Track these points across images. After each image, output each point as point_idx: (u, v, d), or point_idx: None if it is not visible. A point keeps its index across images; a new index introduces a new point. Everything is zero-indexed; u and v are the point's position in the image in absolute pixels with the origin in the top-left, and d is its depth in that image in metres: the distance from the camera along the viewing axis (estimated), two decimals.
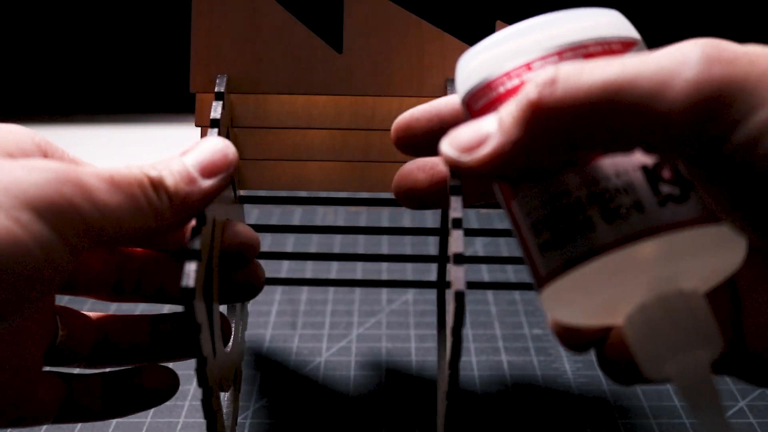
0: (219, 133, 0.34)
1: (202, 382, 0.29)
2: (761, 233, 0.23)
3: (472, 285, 0.47)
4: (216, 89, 0.35)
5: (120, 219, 0.26)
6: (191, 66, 0.37)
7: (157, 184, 0.28)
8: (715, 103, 0.22)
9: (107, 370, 0.33)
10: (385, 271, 0.54)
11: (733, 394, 0.42)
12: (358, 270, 0.54)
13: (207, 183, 0.29)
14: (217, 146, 0.30)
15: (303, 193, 0.58)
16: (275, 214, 0.61)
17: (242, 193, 0.40)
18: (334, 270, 0.54)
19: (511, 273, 0.54)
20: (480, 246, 0.57)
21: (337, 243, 0.58)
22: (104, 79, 0.92)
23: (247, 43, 0.36)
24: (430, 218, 0.60)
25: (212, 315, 0.31)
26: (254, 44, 0.36)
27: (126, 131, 0.82)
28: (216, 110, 0.34)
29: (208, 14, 0.36)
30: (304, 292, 0.51)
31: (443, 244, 0.43)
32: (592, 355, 0.45)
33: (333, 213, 0.62)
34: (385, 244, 0.57)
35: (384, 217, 0.61)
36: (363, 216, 0.61)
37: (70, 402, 0.32)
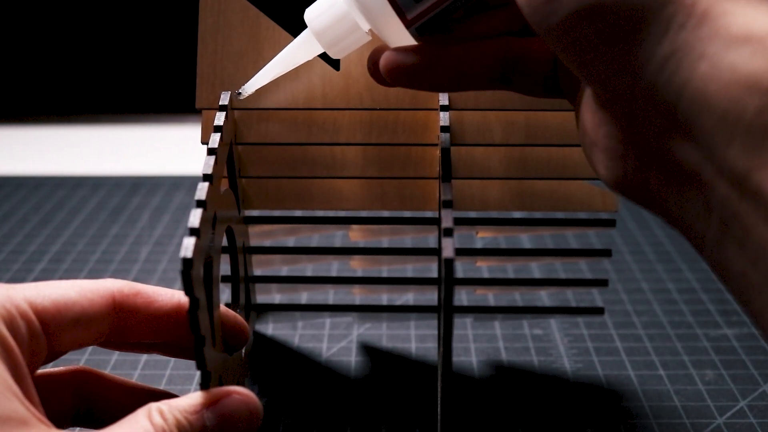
0: (221, 143, 0.35)
1: (200, 365, 0.28)
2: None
3: (469, 282, 0.47)
4: (220, 103, 0.38)
5: None
6: (197, 84, 0.39)
7: None
8: None
9: None
10: (385, 270, 0.54)
11: (734, 394, 0.42)
12: (359, 269, 0.54)
13: None
14: (242, 407, 0.28)
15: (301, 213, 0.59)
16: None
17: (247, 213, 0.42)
18: (334, 269, 0.54)
19: (510, 271, 0.54)
20: (480, 244, 0.57)
21: (338, 241, 0.58)
22: (105, 80, 0.92)
23: (249, 61, 0.39)
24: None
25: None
26: (256, 62, 0.39)
27: (127, 131, 0.82)
28: (219, 119, 0.37)
29: (213, 34, 0.39)
30: (304, 292, 0.51)
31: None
32: (593, 356, 0.45)
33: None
34: (385, 242, 0.57)
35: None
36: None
37: None
